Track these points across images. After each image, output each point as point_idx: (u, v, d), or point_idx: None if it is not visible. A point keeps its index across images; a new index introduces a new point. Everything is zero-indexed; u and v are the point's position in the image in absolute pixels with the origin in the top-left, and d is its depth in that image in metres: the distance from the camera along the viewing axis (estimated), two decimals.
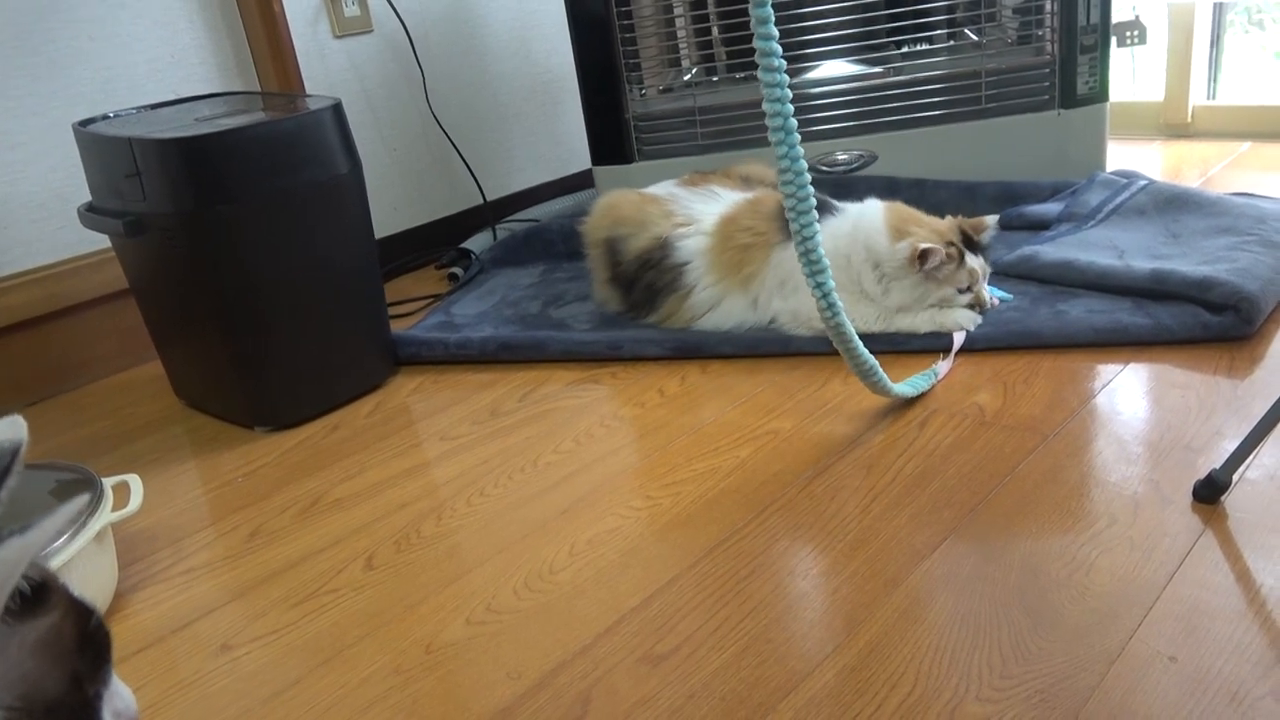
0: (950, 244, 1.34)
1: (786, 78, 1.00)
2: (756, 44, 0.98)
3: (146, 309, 1.49)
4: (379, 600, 0.99)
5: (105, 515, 1.00)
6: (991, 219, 1.39)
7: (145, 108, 1.51)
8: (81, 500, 0.95)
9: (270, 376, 1.39)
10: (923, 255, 1.32)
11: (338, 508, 1.18)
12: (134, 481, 1.08)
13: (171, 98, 1.63)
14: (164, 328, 1.48)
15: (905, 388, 1.22)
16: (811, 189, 1.05)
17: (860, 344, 1.14)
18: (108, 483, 1.05)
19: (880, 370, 1.17)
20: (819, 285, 1.09)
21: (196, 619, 1.01)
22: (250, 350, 1.37)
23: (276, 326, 1.37)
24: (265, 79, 1.82)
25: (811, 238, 1.07)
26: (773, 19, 0.97)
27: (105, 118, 1.45)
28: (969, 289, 1.36)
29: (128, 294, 1.53)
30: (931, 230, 1.35)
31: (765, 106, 1.01)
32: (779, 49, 0.99)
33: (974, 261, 1.36)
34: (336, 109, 1.38)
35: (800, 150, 1.03)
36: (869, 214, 1.40)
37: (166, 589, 1.07)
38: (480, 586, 0.99)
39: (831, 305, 1.10)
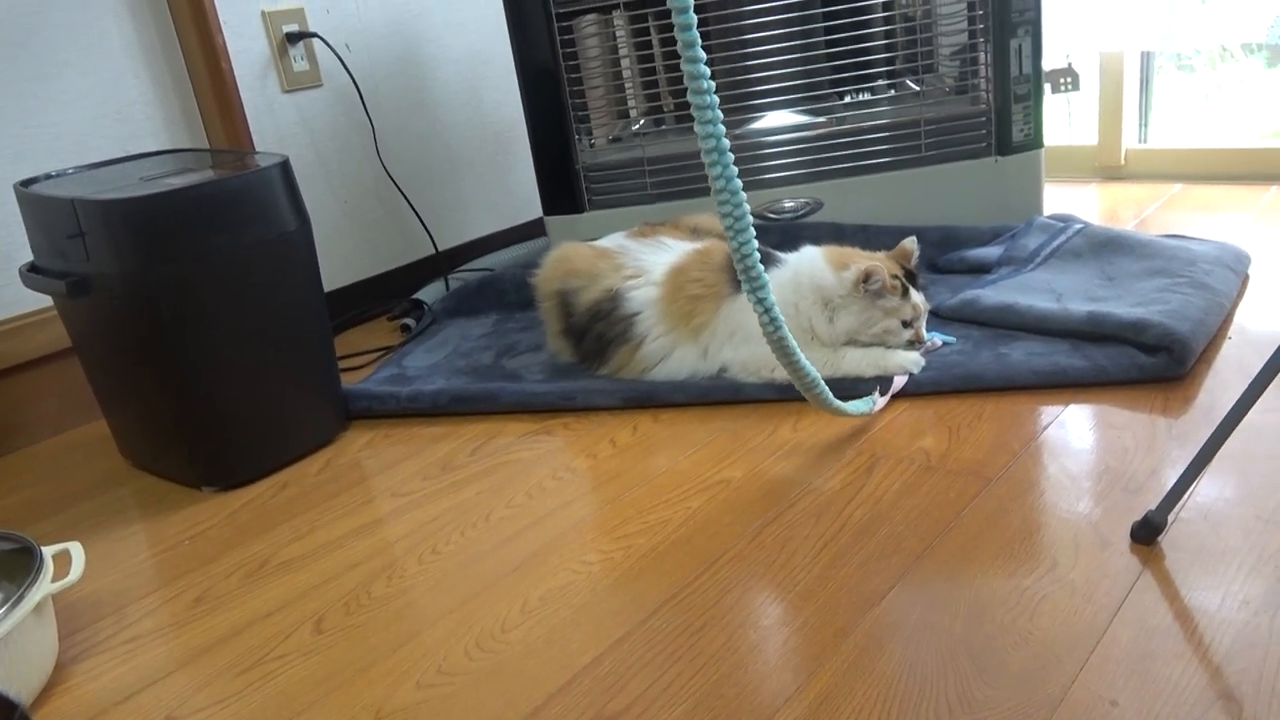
0: (894, 275, 1.38)
1: (716, 99, 1.02)
2: (685, 68, 1.00)
3: (90, 369, 1.47)
4: (328, 665, 0.98)
5: (45, 587, 0.97)
6: (910, 240, 1.46)
7: (88, 166, 1.50)
8: None
9: (217, 436, 1.37)
10: (866, 275, 1.36)
11: (286, 569, 1.16)
12: (75, 549, 1.06)
13: (118, 154, 1.63)
14: (108, 387, 1.46)
15: (846, 405, 1.25)
16: (748, 208, 1.07)
17: (803, 357, 1.17)
18: (48, 552, 1.03)
19: (822, 383, 1.20)
20: (760, 300, 1.11)
21: (140, 690, 0.98)
22: (196, 409, 1.35)
23: (223, 385, 1.35)
24: (213, 134, 1.81)
25: (751, 254, 1.08)
26: (699, 42, 1.00)
27: (48, 177, 1.44)
28: (911, 324, 1.40)
29: (71, 353, 1.51)
30: (871, 260, 1.40)
31: (697, 129, 1.03)
32: (707, 70, 1.01)
33: (916, 297, 1.40)
34: (284, 166, 1.38)
35: (734, 170, 1.04)
36: (808, 259, 1.43)
37: (109, 659, 1.04)
38: (431, 648, 0.98)
39: (774, 320, 1.12)
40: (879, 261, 1.39)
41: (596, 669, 0.91)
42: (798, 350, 1.16)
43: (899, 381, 1.35)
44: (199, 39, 1.75)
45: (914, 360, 1.38)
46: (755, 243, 1.09)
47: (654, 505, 1.18)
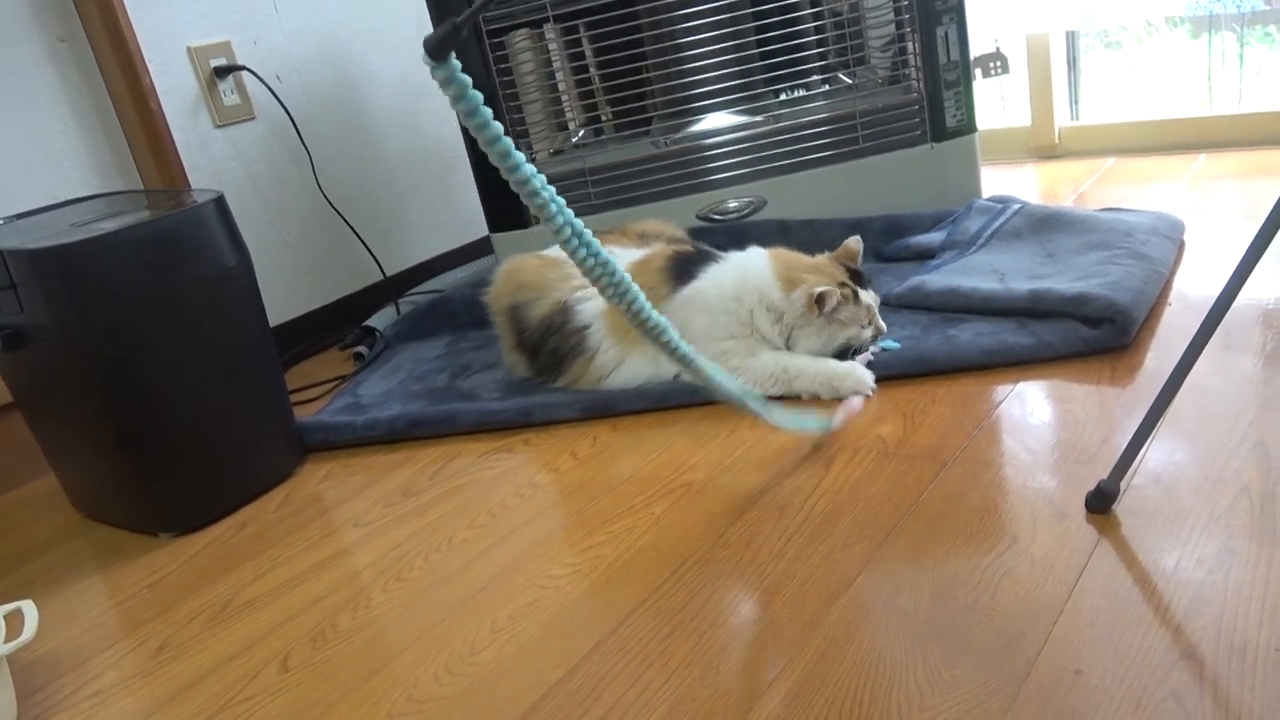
0: (842, 284, 1.38)
1: (521, 154, 0.90)
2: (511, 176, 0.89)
3: (35, 422, 1.44)
4: (296, 704, 0.96)
5: None
6: (854, 240, 1.47)
7: (16, 216, 1.47)
8: None
9: (170, 480, 1.35)
10: (819, 300, 1.36)
11: (249, 609, 1.14)
12: (27, 608, 1.03)
13: (48, 203, 1.59)
14: (55, 440, 1.43)
15: (786, 420, 1.22)
16: (588, 231, 0.97)
17: (721, 375, 1.14)
18: None
19: (752, 404, 1.17)
20: (663, 342, 1.07)
21: None
22: (147, 455, 1.33)
23: (172, 428, 1.33)
24: (146, 175, 1.79)
25: (606, 260, 0.99)
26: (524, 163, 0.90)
27: None
28: (870, 323, 1.41)
29: (13, 408, 1.48)
30: (819, 274, 1.39)
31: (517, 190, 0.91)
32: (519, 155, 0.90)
33: (867, 296, 1.41)
34: (219, 202, 1.36)
35: (552, 189, 0.93)
36: (755, 264, 1.43)
37: (71, 717, 1.02)
38: (401, 676, 0.97)
39: (683, 356, 1.10)
40: (823, 275, 1.39)
41: (569, 683, 0.90)
42: (713, 371, 1.13)
43: (855, 403, 1.31)
44: (124, 79, 1.73)
45: (867, 384, 1.35)
46: (600, 247, 0.98)
47: (618, 514, 1.18)
